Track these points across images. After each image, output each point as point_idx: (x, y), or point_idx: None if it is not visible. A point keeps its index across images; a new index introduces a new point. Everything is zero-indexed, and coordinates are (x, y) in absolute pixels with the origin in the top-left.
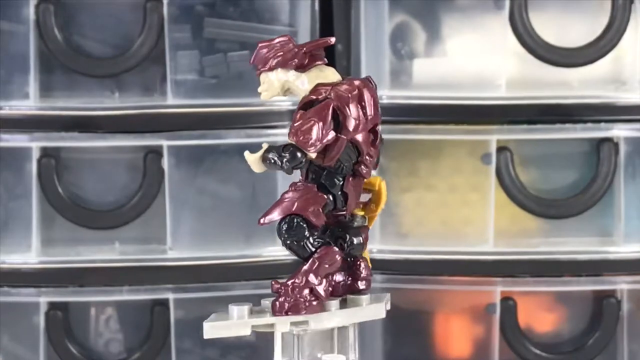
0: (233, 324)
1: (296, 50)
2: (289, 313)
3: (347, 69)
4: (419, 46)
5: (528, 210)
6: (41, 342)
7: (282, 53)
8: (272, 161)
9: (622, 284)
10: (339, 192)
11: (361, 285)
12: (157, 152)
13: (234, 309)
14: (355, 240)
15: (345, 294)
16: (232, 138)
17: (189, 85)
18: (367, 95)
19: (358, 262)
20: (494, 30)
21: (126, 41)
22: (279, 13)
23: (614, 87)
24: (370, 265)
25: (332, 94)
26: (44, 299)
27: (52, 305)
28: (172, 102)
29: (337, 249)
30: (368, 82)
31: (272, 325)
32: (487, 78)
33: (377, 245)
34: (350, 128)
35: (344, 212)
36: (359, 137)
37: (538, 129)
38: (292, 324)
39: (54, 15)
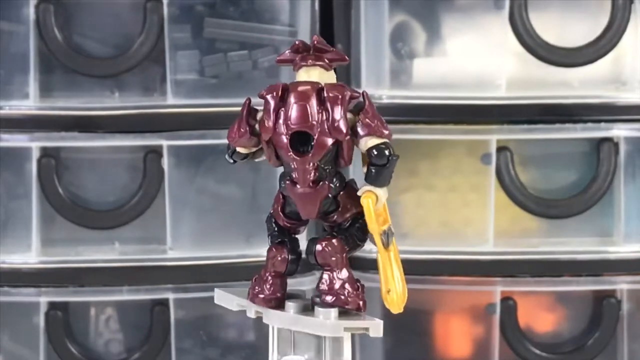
0: (224, 296)
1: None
2: (251, 302)
3: (347, 69)
4: (419, 46)
5: (528, 210)
6: (41, 342)
7: None
8: None
9: (622, 284)
10: (289, 195)
11: (323, 297)
12: (157, 152)
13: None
14: (307, 249)
15: (320, 303)
16: None
17: (189, 85)
18: (293, 100)
19: (324, 273)
20: (494, 30)
21: (126, 41)
22: (279, 13)
23: (614, 87)
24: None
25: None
26: (44, 299)
27: (52, 305)
28: (172, 102)
29: (278, 250)
30: (310, 88)
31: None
32: (487, 78)
33: None
34: (262, 130)
35: (336, 219)
36: (275, 140)
37: (538, 129)
38: (257, 312)
39: (54, 15)
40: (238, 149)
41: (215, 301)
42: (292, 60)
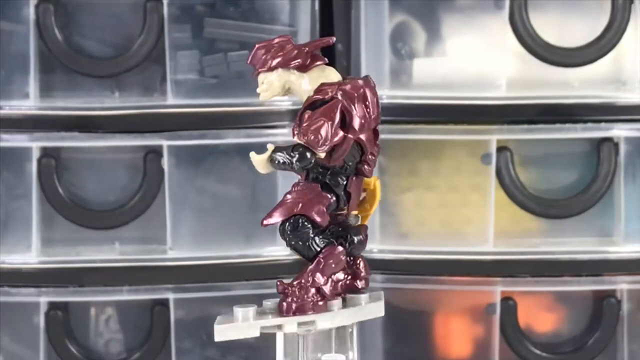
0: (242, 326)
1: (297, 50)
2: (297, 313)
3: (347, 69)
4: (419, 46)
5: (528, 210)
6: (41, 342)
7: (282, 53)
8: (281, 162)
9: (622, 284)
10: (342, 192)
11: (360, 284)
12: (157, 152)
13: (238, 311)
14: (357, 239)
15: (345, 292)
16: (232, 138)
17: (189, 85)
18: (370, 95)
19: (358, 261)
20: (494, 30)
21: (126, 41)
22: (279, 13)
23: (614, 87)
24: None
25: (338, 94)
26: (44, 299)
27: (52, 305)
28: (172, 102)
29: (341, 249)
30: (369, 82)
31: (280, 326)
32: (487, 78)
33: (377, 245)
34: (357, 127)
35: (344, 212)
36: (364, 136)
37: (538, 129)
38: (299, 324)
39: (54, 15)
40: (321, 154)
41: (219, 339)
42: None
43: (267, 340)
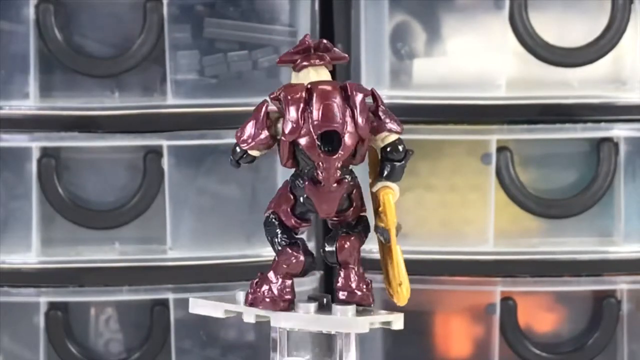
0: (211, 304)
1: (291, 50)
2: (251, 305)
3: (347, 69)
4: (419, 46)
5: (528, 210)
6: (41, 342)
7: (284, 53)
8: None
9: (622, 284)
10: (305, 196)
11: (342, 295)
12: (157, 152)
13: (240, 294)
14: (326, 247)
15: (339, 301)
16: (232, 138)
17: (189, 85)
18: (319, 100)
19: (340, 271)
20: (494, 30)
21: (126, 41)
22: (279, 13)
23: (614, 87)
24: (395, 276)
25: (280, 95)
26: (44, 299)
27: (52, 305)
28: (172, 102)
29: (294, 251)
30: (333, 87)
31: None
32: (487, 78)
33: (377, 246)
34: (286, 130)
35: (348, 217)
36: (301, 141)
37: (538, 129)
38: (257, 316)
39: (54, 15)
40: (251, 152)
41: (191, 310)
42: (293, 61)
43: (267, 340)
